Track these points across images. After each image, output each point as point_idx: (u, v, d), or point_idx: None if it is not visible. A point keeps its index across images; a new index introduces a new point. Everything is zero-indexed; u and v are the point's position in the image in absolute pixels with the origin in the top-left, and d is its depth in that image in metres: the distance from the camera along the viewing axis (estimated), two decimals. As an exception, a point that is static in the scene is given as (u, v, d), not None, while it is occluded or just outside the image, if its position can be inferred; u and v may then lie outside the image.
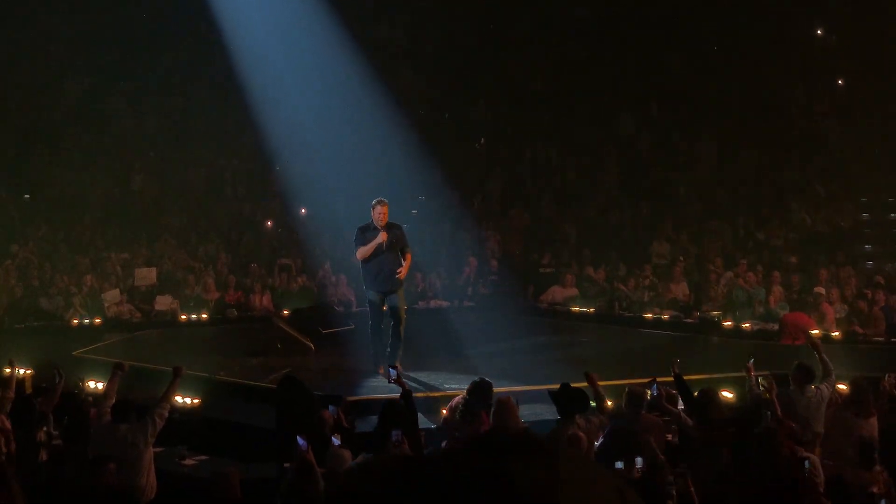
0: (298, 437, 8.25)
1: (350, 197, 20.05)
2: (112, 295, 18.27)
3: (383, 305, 12.75)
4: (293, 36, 21.76)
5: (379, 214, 12.49)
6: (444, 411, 10.04)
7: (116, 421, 9.07)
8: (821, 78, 24.06)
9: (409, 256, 12.77)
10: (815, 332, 15.36)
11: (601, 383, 11.64)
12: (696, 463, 8.69)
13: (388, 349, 12.74)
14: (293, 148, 21.27)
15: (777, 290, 17.22)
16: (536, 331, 16.65)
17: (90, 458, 8.38)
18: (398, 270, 12.54)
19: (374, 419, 10.12)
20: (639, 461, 8.37)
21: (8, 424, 9.15)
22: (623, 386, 10.39)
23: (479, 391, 9.45)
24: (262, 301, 18.71)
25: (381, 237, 12.44)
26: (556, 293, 19.22)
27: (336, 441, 8.70)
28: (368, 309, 13.02)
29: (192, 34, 23.08)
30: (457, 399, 9.49)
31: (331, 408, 9.66)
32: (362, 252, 12.60)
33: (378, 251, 12.53)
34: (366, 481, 1.72)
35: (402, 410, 8.74)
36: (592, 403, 10.09)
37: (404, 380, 9.50)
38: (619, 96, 24.57)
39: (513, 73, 25.45)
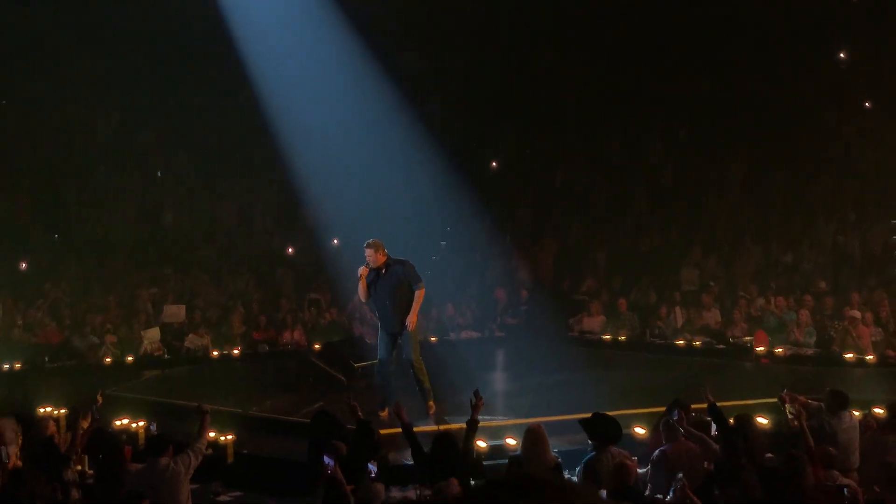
0: (325, 456, 8.26)
1: (379, 227, 20.10)
2: (153, 333, 18.33)
3: (394, 345, 12.72)
4: (321, 67, 21.88)
5: (367, 257, 12.51)
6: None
7: (154, 455, 9.14)
8: (850, 100, 23.96)
9: (419, 294, 12.50)
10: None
11: (634, 411, 11.65)
12: (728, 490, 8.65)
13: (419, 389, 12.76)
14: (322, 180, 21.31)
15: (804, 314, 17.10)
16: (568, 359, 16.59)
17: (125, 493, 8.43)
18: (407, 321, 12.48)
19: (409, 452, 10.15)
20: (680, 476, 8.36)
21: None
22: (656, 414, 10.36)
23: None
24: (294, 336, 18.73)
25: (360, 272, 12.47)
26: (585, 321, 19.16)
27: (373, 468, 8.68)
28: None
29: (219, 70, 23.22)
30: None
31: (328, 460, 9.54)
32: (360, 292, 12.70)
33: (373, 291, 12.55)
34: None
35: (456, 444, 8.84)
36: (626, 431, 10.09)
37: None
38: (648, 122, 24.56)
39: (542, 100, 25.47)
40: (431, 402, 12.61)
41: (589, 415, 9.39)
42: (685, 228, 21.72)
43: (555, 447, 9.68)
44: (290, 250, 22.04)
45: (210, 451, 11.14)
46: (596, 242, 21.99)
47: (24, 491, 8.52)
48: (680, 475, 8.51)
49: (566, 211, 23.26)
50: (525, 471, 8.41)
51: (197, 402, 10.10)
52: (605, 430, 9.13)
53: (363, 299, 12.90)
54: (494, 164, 24.83)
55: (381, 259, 12.45)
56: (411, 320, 12.44)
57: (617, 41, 25.98)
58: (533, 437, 9.16)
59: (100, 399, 10.59)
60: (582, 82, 25.77)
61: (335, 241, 21.60)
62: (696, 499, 8.12)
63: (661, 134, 24.56)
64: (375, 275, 12.50)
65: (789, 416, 10.09)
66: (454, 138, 24.21)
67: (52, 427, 10.35)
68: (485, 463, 9.95)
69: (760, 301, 18.09)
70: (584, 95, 25.52)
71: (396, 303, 12.49)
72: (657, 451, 9.43)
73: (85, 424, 10.17)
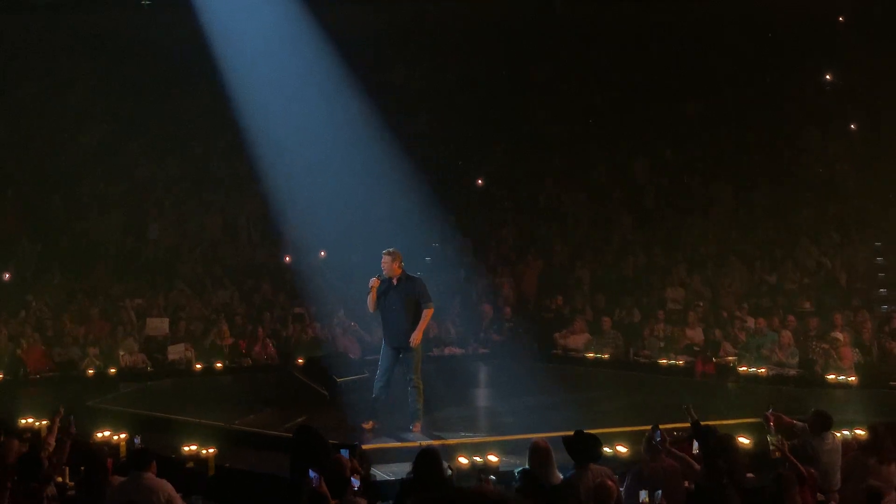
0: (310, 471, 8.24)
1: (364, 242, 20.12)
2: (127, 345, 18.27)
3: (396, 359, 12.67)
4: (309, 82, 21.89)
5: (383, 264, 12.51)
6: None
7: (137, 468, 9.09)
8: (834, 122, 24.10)
9: (427, 313, 12.50)
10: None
11: (617, 430, 11.65)
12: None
13: (409, 407, 12.73)
14: (307, 193, 21.28)
15: (786, 335, 17.12)
16: (551, 377, 16.63)
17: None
18: (411, 338, 12.43)
19: (393, 467, 10.15)
20: (658, 494, 8.35)
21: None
22: (639, 432, 10.36)
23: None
24: (266, 350, 18.63)
25: (372, 283, 12.47)
26: (569, 340, 19.16)
27: (356, 482, 8.67)
28: None
29: (207, 82, 23.21)
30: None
31: (344, 451, 9.62)
32: (368, 302, 12.67)
33: (382, 302, 12.53)
34: None
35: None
36: (608, 450, 10.09)
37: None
38: (634, 141, 24.62)
39: (528, 118, 25.52)
40: (418, 424, 12.57)
41: (571, 433, 9.38)
42: (669, 248, 21.75)
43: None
44: (287, 258, 21.94)
45: (191, 464, 11.15)
46: (580, 261, 22.01)
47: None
48: (658, 492, 8.51)
49: (551, 229, 23.28)
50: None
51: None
52: (586, 449, 9.10)
53: (371, 309, 12.82)
54: (480, 181, 24.82)
55: (397, 270, 12.46)
56: (416, 337, 12.41)
57: (603, 61, 26.10)
58: (542, 455, 9.11)
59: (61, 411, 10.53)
60: (568, 101, 25.86)
61: (322, 253, 21.57)
62: None
63: (647, 153, 24.62)
64: (387, 286, 12.49)
65: (771, 448, 10.11)
66: (441, 154, 24.26)
67: (17, 447, 10.19)
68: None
69: (750, 321, 18.10)
70: (570, 114, 25.60)
71: (405, 317, 12.47)
72: (634, 467, 9.45)
73: (55, 434, 10.15)
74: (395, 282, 12.47)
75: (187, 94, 24.69)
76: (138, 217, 23.46)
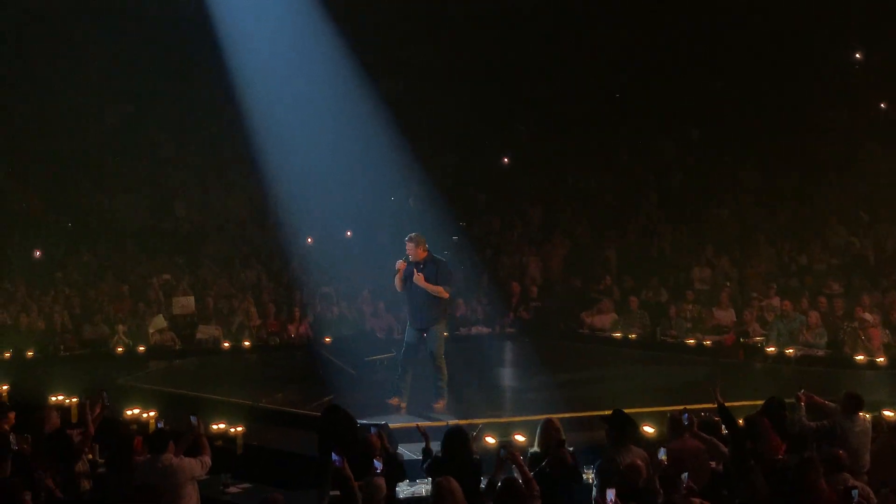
0: (333, 453, 8.27)
1: (392, 221, 20.15)
2: (158, 321, 18.35)
3: (419, 339, 12.71)
4: (330, 63, 21.82)
5: (408, 251, 12.53)
6: None
7: (155, 451, 9.11)
8: (863, 101, 23.89)
9: (439, 289, 12.44)
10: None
11: (643, 410, 11.63)
12: (735, 492, 8.64)
13: (433, 386, 12.76)
14: (335, 172, 21.28)
15: (814, 315, 16.99)
16: (577, 356, 16.61)
17: (135, 485, 8.44)
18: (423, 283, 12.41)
19: (418, 447, 10.16)
20: (684, 477, 8.36)
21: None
22: (666, 413, 10.35)
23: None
24: (300, 329, 18.68)
25: (398, 265, 12.52)
26: (595, 319, 19.13)
27: (378, 464, 8.69)
28: None
29: (230, 62, 23.19)
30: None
31: (372, 429, 9.65)
32: (395, 282, 12.73)
33: (407, 284, 12.55)
34: None
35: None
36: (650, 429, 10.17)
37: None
38: (660, 122, 24.50)
39: (553, 99, 25.42)
40: (441, 402, 12.60)
41: (601, 412, 9.40)
42: (696, 228, 21.66)
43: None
44: (309, 240, 21.94)
45: (220, 442, 11.20)
46: (606, 241, 21.94)
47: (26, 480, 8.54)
48: (685, 475, 8.51)
49: (577, 209, 23.22)
50: None
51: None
52: (626, 427, 9.14)
53: (399, 289, 12.85)
54: (506, 160, 24.77)
55: (422, 254, 12.47)
56: (426, 285, 12.40)
57: (629, 41, 25.93)
58: (547, 428, 9.17)
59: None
60: (594, 82, 25.74)
61: (348, 233, 21.57)
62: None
63: (673, 134, 24.50)
64: (413, 270, 12.51)
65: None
66: (468, 136, 24.20)
67: (55, 419, 10.29)
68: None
69: (774, 301, 17.98)
70: (596, 95, 25.49)
71: (427, 300, 12.49)
72: (661, 449, 9.46)
73: (96, 411, 10.20)
74: (421, 266, 12.49)
75: (210, 72, 24.70)
76: (164, 197, 23.52)
